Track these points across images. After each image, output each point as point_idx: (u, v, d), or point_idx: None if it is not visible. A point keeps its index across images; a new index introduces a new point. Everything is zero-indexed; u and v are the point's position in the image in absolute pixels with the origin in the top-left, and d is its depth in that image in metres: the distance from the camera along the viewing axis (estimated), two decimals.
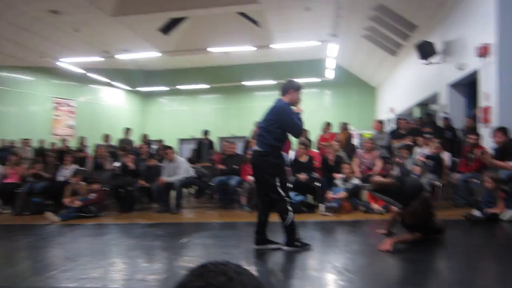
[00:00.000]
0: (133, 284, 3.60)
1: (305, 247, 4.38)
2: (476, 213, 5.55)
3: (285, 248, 4.34)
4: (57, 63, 13.65)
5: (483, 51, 7.12)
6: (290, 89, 4.52)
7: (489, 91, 7.14)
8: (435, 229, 4.48)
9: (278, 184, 4.33)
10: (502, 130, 6.16)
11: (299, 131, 4.52)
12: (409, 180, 4.57)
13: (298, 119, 4.44)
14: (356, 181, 7.03)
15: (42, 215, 7.51)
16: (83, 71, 14.98)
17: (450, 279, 3.46)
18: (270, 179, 4.36)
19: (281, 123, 4.39)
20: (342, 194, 6.82)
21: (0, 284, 3.70)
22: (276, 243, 4.48)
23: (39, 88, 14.71)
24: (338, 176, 7.27)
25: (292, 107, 4.46)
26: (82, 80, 15.98)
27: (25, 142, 11.48)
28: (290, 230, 4.36)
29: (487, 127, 7.10)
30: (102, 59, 13.98)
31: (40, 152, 8.80)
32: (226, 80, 18.22)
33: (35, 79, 14.56)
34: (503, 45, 6.80)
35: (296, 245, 4.35)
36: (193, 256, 4.60)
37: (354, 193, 6.95)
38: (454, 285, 3.29)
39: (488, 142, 6.57)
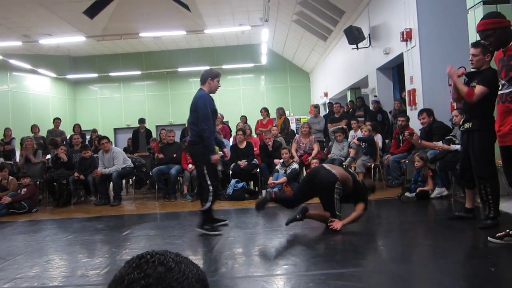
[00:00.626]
0: (74, 280, 3.49)
1: (215, 231, 4.66)
2: (408, 195, 5.92)
3: (197, 229, 4.67)
4: None
5: (406, 36, 7.55)
6: (208, 77, 4.72)
7: (413, 74, 7.62)
8: (367, 190, 4.70)
9: (205, 172, 4.62)
10: (426, 111, 6.56)
11: (206, 122, 4.60)
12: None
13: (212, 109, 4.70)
14: (295, 165, 7.22)
15: None
16: (2, 57, 13.93)
17: (387, 256, 3.70)
18: (199, 168, 4.78)
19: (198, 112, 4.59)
20: (282, 179, 6.98)
21: None
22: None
23: None
24: (277, 161, 7.43)
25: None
26: (2, 67, 14.86)
27: None
28: (205, 215, 4.73)
29: (413, 109, 7.57)
30: (21, 43, 13.07)
31: None
32: (159, 66, 17.81)
33: None
34: (422, 30, 7.27)
35: (206, 229, 4.65)
36: (136, 248, 4.52)
37: (293, 177, 7.14)
38: (391, 261, 3.53)
39: (416, 123, 7.01)
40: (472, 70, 4.27)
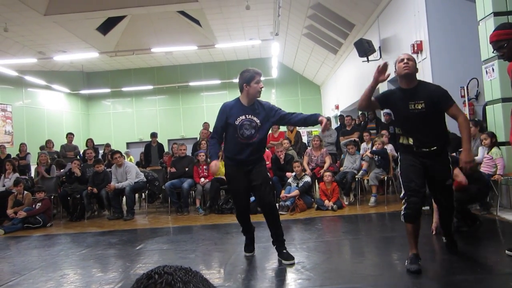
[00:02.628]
0: None
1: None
2: (424, 207, 5.86)
3: None
4: None
5: (417, 48, 7.56)
6: (243, 84, 4.03)
7: None
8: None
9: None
10: None
11: (211, 135, 4.28)
12: None
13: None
14: (307, 178, 7.20)
15: None
16: (18, 74, 14.21)
17: (403, 271, 3.64)
18: None
19: None
20: (295, 192, 6.97)
21: None
22: None
23: None
24: (289, 174, 7.42)
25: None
26: (18, 83, 15.15)
27: None
28: None
29: None
30: (36, 60, 13.34)
31: None
32: (171, 80, 18.00)
33: None
34: (433, 42, 7.28)
35: None
36: (150, 263, 4.54)
37: (306, 190, 7.12)
38: (407, 276, 3.48)
39: None
40: None
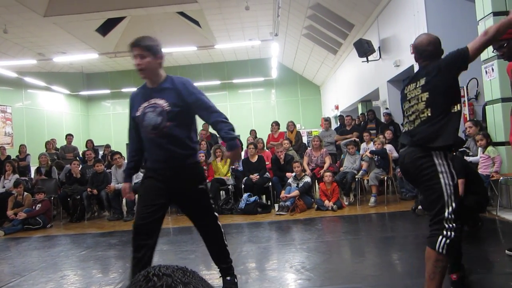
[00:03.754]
0: None
1: None
2: (421, 208, 5.85)
3: None
4: None
5: None
6: None
7: None
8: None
9: None
10: None
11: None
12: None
13: None
14: (307, 179, 7.20)
15: None
16: (17, 75, 14.21)
17: (403, 271, 3.65)
18: None
19: None
20: (295, 192, 6.97)
21: None
22: None
23: None
24: (289, 175, 7.42)
25: None
26: (17, 84, 15.15)
27: None
28: None
29: None
30: (36, 61, 13.34)
31: None
32: None
33: None
34: None
35: None
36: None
37: (306, 191, 7.12)
38: (407, 276, 3.48)
39: None
40: None
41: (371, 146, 7.77)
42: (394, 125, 9.00)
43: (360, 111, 12.59)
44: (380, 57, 9.83)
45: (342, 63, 13.87)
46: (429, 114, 2.53)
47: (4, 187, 8.15)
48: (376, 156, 7.24)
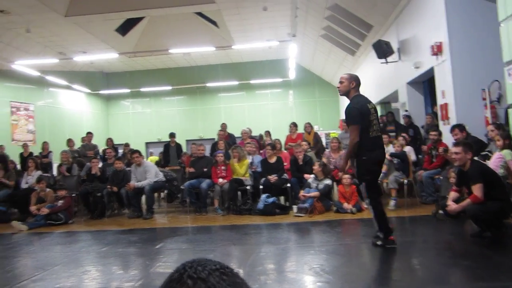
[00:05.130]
0: None
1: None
2: (443, 212, 5.78)
3: None
4: (12, 65, 13.14)
5: (437, 50, 7.46)
6: None
7: (444, 89, 7.50)
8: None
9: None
10: (459, 127, 6.41)
11: None
12: None
13: None
14: (328, 181, 7.17)
15: (8, 223, 7.30)
16: (40, 74, 14.49)
17: (424, 276, 3.62)
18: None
19: None
20: (315, 193, 6.92)
21: None
22: None
23: None
24: (308, 176, 7.40)
25: None
26: (39, 83, 15.44)
27: None
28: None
29: (446, 124, 7.44)
30: (57, 60, 13.59)
31: (2, 160, 8.48)
32: (189, 81, 18.12)
33: None
34: (453, 43, 7.18)
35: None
36: (169, 261, 4.59)
37: (326, 193, 7.09)
38: (428, 281, 3.45)
39: (449, 138, 6.88)
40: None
41: (390, 149, 7.71)
42: (414, 127, 8.92)
43: (379, 113, 12.48)
44: (399, 58, 9.75)
45: (361, 65, 13.78)
46: None
47: (27, 183, 8.32)
48: (395, 159, 7.18)
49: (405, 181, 7.15)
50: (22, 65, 13.32)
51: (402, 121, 9.43)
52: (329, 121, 17.37)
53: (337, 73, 16.61)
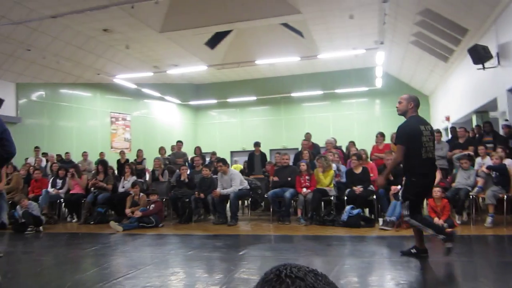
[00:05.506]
0: None
1: None
2: None
3: None
4: (113, 79, 14.32)
5: None
6: None
7: None
8: None
9: None
10: None
11: None
12: None
13: None
14: None
15: (106, 224, 7.90)
16: (136, 87, 15.61)
17: None
18: None
19: None
20: None
21: None
22: None
23: (98, 103, 15.44)
24: (395, 188, 7.08)
25: None
26: (136, 95, 16.65)
27: (85, 154, 12.06)
28: None
29: None
30: (152, 74, 14.54)
31: (102, 164, 9.23)
32: (273, 91, 18.36)
33: (93, 95, 15.31)
34: None
35: None
36: (253, 268, 4.65)
37: None
38: None
39: None
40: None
41: (488, 161, 7.15)
42: None
43: (474, 123, 11.63)
44: (498, 63, 9.02)
45: (454, 71, 12.98)
46: None
47: (123, 187, 8.95)
48: (494, 172, 6.63)
49: (505, 196, 6.56)
50: (122, 78, 14.48)
51: (501, 132, 8.69)
52: None
53: (427, 81, 15.84)
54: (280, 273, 0.78)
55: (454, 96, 13.44)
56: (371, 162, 8.58)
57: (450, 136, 11.29)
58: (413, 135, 4.36)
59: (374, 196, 7.39)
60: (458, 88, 12.78)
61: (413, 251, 4.53)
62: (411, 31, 11.73)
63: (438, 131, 9.39)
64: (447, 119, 14.05)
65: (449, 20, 10.14)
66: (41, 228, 7.67)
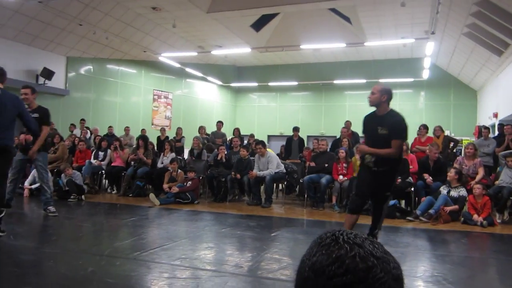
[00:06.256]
0: (229, 268, 3.79)
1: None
2: None
3: None
4: (158, 57, 14.57)
5: None
6: None
7: None
8: None
9: None
10: None
11: None
12: None
13: None
14: (463, 192, 6.63)
15: (144, 197, 8.15)
16: (180, 66, 15.83)
17: None
18: None
19: None
20: (453, 207, 6.48)
21: (110, 255, 4.09)
22: None
23: (142, 80, 15.80)
24: (430, 181, 6.92)
25: None
26: (179, 74, 16.89)
27: (127, 129, 12.43)
28: None
29: None
30: (196, 54, 14.69)
31: (143, 140, 9.47)
32: (316, 77, 18.15)
33: (138, 72, 15.66)
34: None
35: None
36: (285, 249, 4.72)
37: (462, 206, 6.59)
38: None
39: None
40: None
41: None
42: None
43: None
44: None
45: (508, 67, 12.39)
46: None
47: (162, 163, 9.17)
48: None
49: None
50: (167, 57, 14.70)
51: None
52: (463, 127, 15.99)
53: (477, 75, 15.21)
54: (338, 238, 0.77)
55: (504, 92, 12.85)
56: (411, 154, 8.38)
57: (497, 133, 10.87)
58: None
59: (412, 188, 7.25)
60: (510, 85, 12.22)
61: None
62: (465, 22, 11.24)
63: (486, 128, 9.06)
64: (495, 115, 13.49)
65: (507, 12, 9.65)
66: (83, 197, 8.01)
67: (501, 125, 10.39)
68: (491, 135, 10.01)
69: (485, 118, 14.66)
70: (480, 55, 13.16)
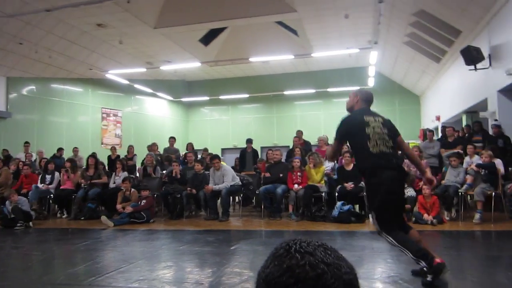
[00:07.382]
0: (189, 286, 3.71)
1: None
2: None
3: None
4: (105, 74, 14.23)
5: None
6: None
7: None
8: None
9: None
10: None
11: None
12: None
13: None
14: (412, 192, 6.89)
15: (97, 219, 7.88)
16: (128, 82, 15.53)
17: None
18: None
19: None
20: (406, 206, 6.67)
21: (63, 283, 3.91)
22: None
23: (89, 98, 15.34)
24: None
25: None
26: (128, 91, 16.56)
27: (76, 150, 11.99)
28: None
29: None
30: (145, 70, 14.48)
31: (93, 157, 9.18)
32: (266, 89, 18.37)
33: (84, 90, 15.20)
34: None
35: None
36: (245, 262, 4.69)
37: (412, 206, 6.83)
38: None
39: None
40: None
41: (476, 160, 7.26)
42: (504, 138, 8.31)
43: (464, 123, 11.79)
44: (490, 65, 9.14)
45: (446, 72, 13.11)
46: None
47: (114, 183, 8.92)
48: (483, 170, 6.73)
49: (493, 193, 6.66)
50: (114, 74, 14.39)
51: (490, 131, 8.81)
52: (408, 131, 16.66)
53: (419, 81, 15.98)
54: (290, 248, 0.78)
55: (445, 96, 13.58)
56: None
57: (440, 135, 11.43)
58: (353, 125, 3.82)
59: (365, 192, 7.45)
60: (449, 89, 12.92)
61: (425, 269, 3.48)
62: (405, 32, 11.82)
63: (430, 130, 9.49)
64: (437, 118, 14.21)
65: (443, 22, 10.24)
66: (30, 223, 7.63)
67: (443, 128, 10.95)
68: (435, 138, 10.53)
69: (429, 122, 15.40)
70: (420, 62, 13.85)
